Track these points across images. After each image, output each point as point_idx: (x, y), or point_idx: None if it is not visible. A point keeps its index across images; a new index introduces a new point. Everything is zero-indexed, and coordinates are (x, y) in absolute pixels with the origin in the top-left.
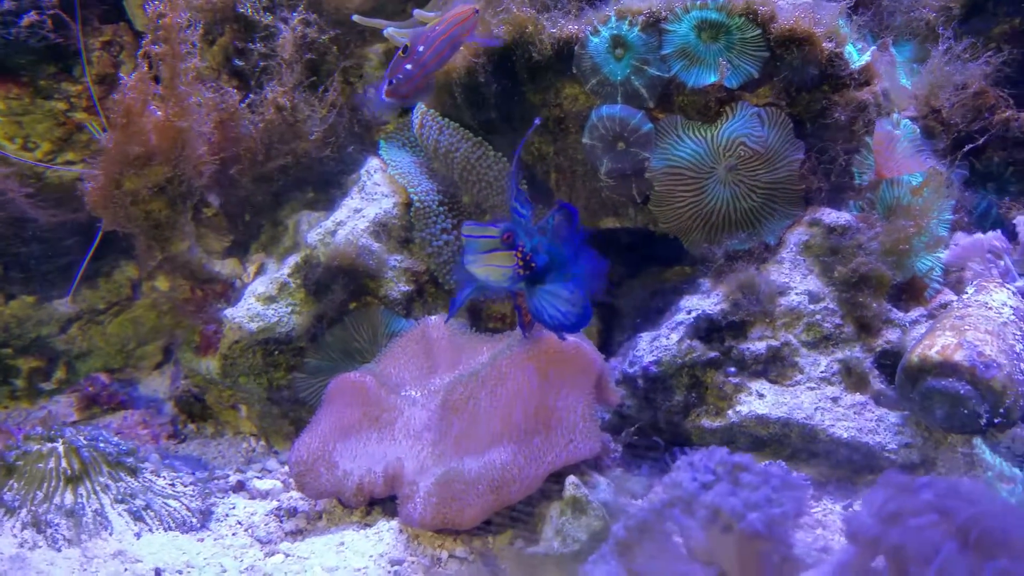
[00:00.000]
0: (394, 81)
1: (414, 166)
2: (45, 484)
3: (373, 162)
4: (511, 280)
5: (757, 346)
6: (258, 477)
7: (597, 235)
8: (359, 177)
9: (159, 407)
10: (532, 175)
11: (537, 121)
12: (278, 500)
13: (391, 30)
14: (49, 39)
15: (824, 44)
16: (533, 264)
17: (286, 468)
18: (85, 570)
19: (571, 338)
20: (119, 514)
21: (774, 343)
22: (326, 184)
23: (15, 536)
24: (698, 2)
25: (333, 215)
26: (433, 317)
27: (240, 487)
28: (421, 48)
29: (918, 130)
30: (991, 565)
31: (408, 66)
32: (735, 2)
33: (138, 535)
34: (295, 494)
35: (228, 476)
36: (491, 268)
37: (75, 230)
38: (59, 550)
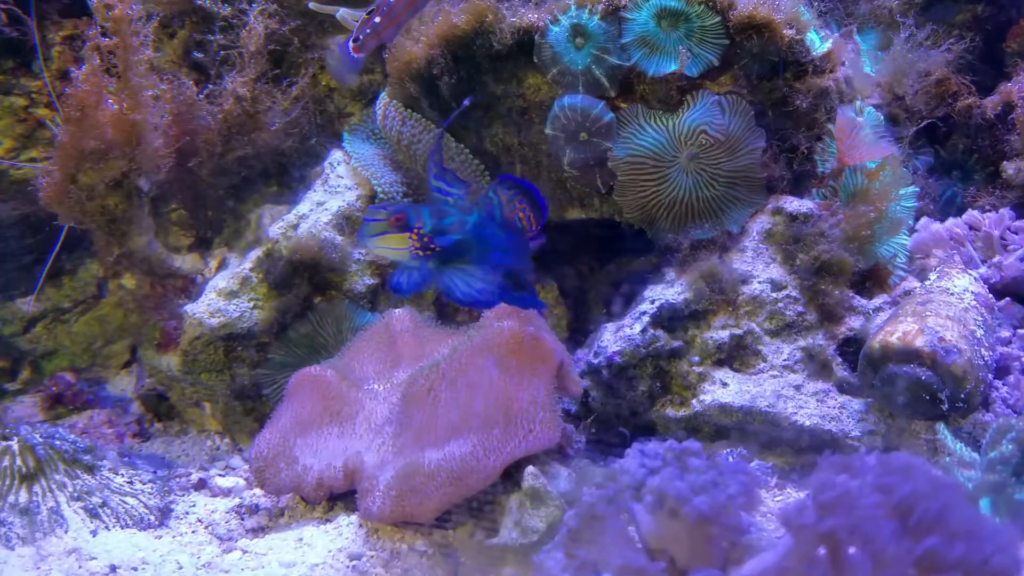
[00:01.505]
0: (360, 37)
1: (377, 158)
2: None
3: (336, 154)
4: (414, 261)
5: (720, 335)
6: (221, 475)
7: (562, 224)
8: (322, 170)
9: (126, 406)
10: (497, 165)
11: (466, 102)
12: (240, 497)
13: (343, 12)
14: (4, 33)
15: (784, 31)
16: (432, 245)
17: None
18: (39, 568)
19: (531, 328)
20: (75, 511)
21: (737, 331)
22: (289, 177)
23: None
24: None
25: (296, 208)
26: (397, 310)
27: (201, 485)
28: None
29: (882, 117)
30: (923, 544)
31: (376, 19)
32: None
33: (94, 532)
34: (258, 491)
35: (190, 474)
36: (386, 250)
37: (37, 227)
38: (12, 548)
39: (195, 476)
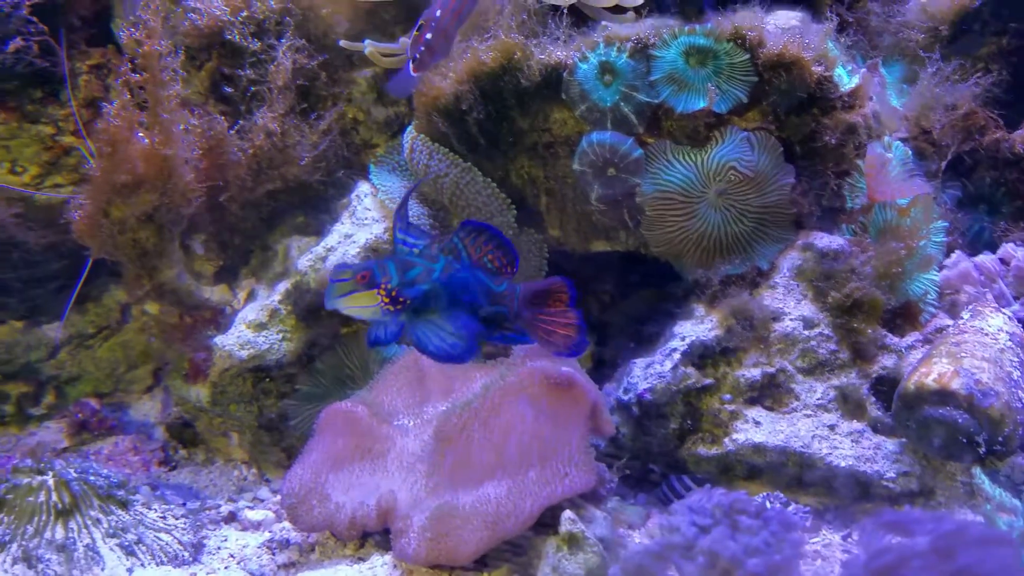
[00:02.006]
0: (417, 56)
1: (404, 190)
2: (35, 518)
3: (363, 187)
4: (387, 316)
5: (752, 373)
6: (250, 507)
7: (587, 256)
8: (349, 202)
9: (149, 432)
10: (522, 199)
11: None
12: (270, 531)
13: (370, 47)
14: (35, 64)
15: (813, 68)
16: (402, 299)
17: (278, 498)
18: None
19: (565, 368)
20: (111, 549)
21: (769, 370)
22: (316, 209)
23: (5, 572)
24: (686, 28)
25: (324, 240)
26: None
27: (232, 518)
28: (438, 13)
29: (910, 152)
30: None
31: (428, 36)
32: (723, 27)
33: (130, 571)
34: (287, 525)
35: (220, 506)
36: (355, 309)
37: (63, 254)
38: None
39: (225, 509)
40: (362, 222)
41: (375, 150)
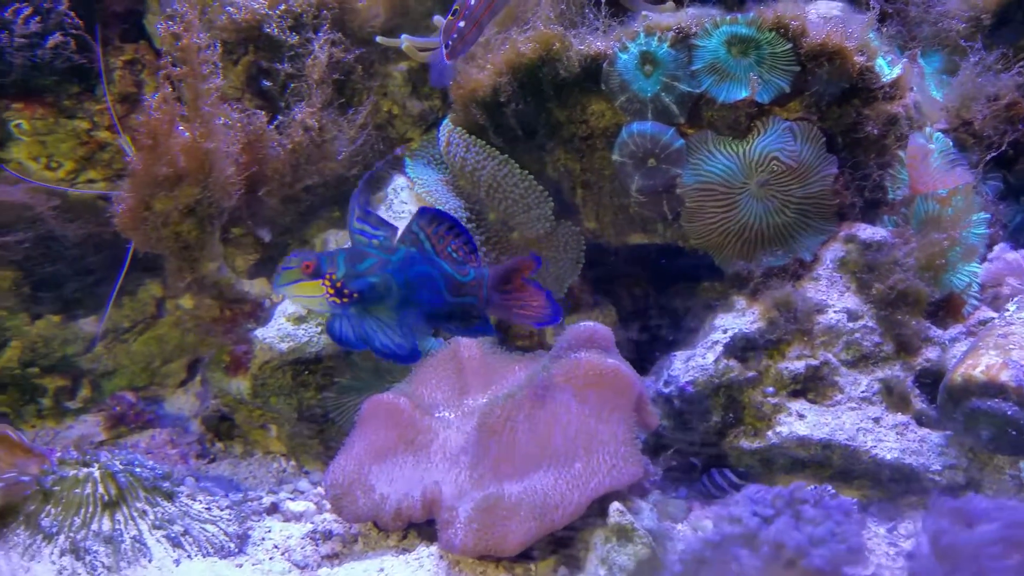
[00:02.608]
0: (450, 43)
1: (440, 184)
2: (83, 510)
3: (399, 180)
4: (334, 308)
5: (796, 365)
6: (291, 498)
7: (622, 249)
8: (386, 195)
9: (185, 426)
10: (559, 191)
11: (397, 152)
12: (312, 522)
13: (407, 42)
14: (73, 60)
15: (856, 58)
16: (347, 291)
17: (318, 489)
18: None
19: (610, 359)
20: (157, 540)
21: (813, 362)
22: (348, 202)
23: (53, 563)
24: (728, 17)
25: None
26: (464, 337)
27: (274, 509)
28: (472, 2)
29: (951, 143)
30: None
31: (461, 23)
32: (765, 16)
33: (177, 562)
34: (329, 516)
35: (261, 498)
36: (301, 298)
37: (99, 247)
38: None
39: (267, 500)
40: (399, 215)
41: (410, 144)
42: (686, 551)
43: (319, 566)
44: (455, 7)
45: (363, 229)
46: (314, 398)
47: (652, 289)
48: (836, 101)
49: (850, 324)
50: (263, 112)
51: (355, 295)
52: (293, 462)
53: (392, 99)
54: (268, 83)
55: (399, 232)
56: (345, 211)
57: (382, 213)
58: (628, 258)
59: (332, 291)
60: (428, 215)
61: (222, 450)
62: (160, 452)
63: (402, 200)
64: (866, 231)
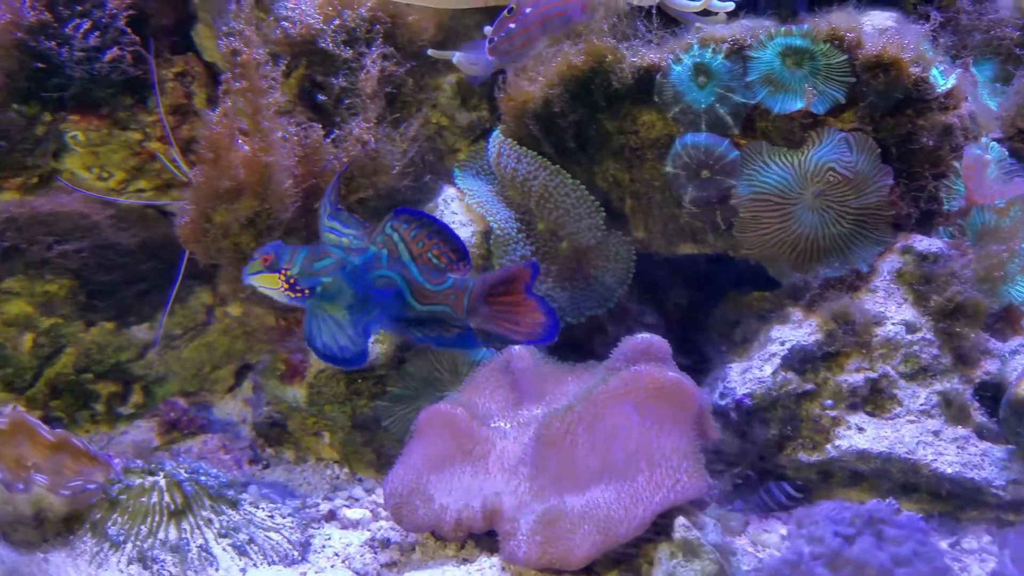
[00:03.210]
0: (496, 39)
1: (490, 194)
2: (149, 519)
3: (449, 191)
4: (291, 301)
5: (855, 378)
6: (347, 506)
7: (671, 259)
8: (436, 206)
9: (235, 431)
10: (607, 202)
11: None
12: (369, 530)
13: (458, 56)
14: (129, 73)
15: (911, 69)
16: (299, 288)
17: (372, 497)
18: None
19: (671, 372)
20: (223, 549)
21: (872, 375)
22: None
23: (121, 571)
24: (782, 29)
25: None
26: (516, 347)
27: (331, 516)
28: (528, 10)
29: (1007, 153)
30: None
31: (512, 25)
32: (819, 28)
33: (243, 571)
34: (385, 524)
35: (318, 504)
36: (264, 289)
37: (151, 256)
38: None
39: (324, 507)
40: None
41: (458, 154)
42: (763, 569)
43: (379, 574)
44: (511, 6)
45: (333, 227)
46: (367, 406)
47: (697, 300)
48: (890, 112)
49: (908, 336)
50: (319, 126)
51: (306, 292)
52: (346, 469)
53: (441, 111)
54: (323, 97)
55: (365, 232)
56: None
57: None
58: (674, 268)
59: (286, 286)
60: (404, 216)
61: (273, 456)
62: (213, 457)
63: (452, 211)
64: (922, 242)
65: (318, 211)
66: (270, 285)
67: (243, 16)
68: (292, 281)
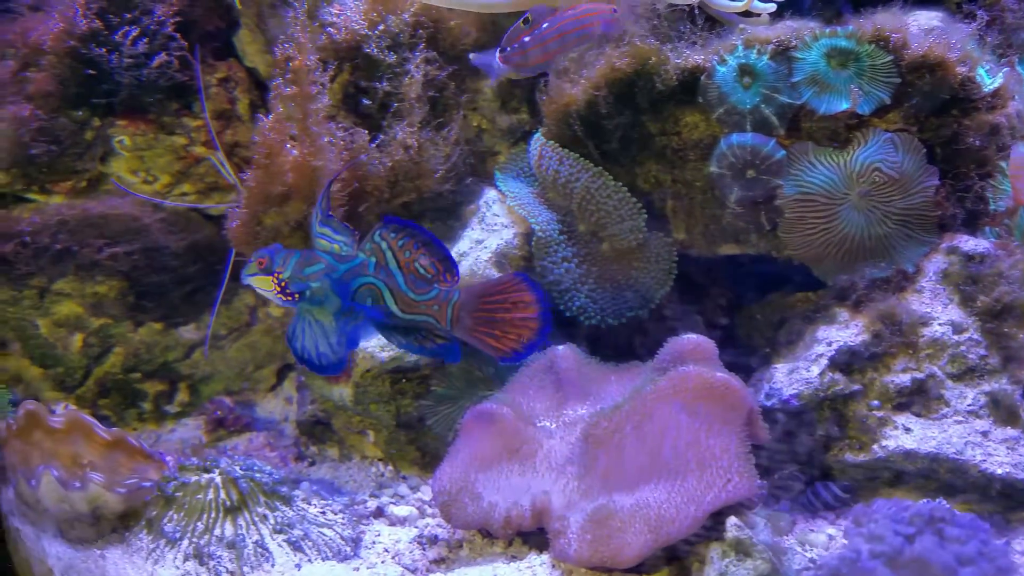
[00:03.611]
0: (508, 50)
1: (532, 196)
2: (205, 515)
3: (491, 193)
4: (284, 303)
5: (901, 378)
6: (393, 503)
7: (712, 260)
8: (478, 208)
9: (279, 429)
10: (648, 203)
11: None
12: (416, 527)
13: (472, 56)
14: (176, 78)
15: (958, 69)
16: (290, 291)
17: (417, 494)
18: None
19: (720, 373)
20: (278, 545)
21: (919, 375)
22: (443, 215)
23: (177, 568)
24: (827, 30)
25: (455, 246)
26: (561, 347)
27: (379, 513)
28: (545, 26)
29: None
30: None
31: (526, 39)
32: (864, 29)
33: (298, 566)
34: (431, 521)
35: (366, 502)
36: (261, 291)
37: (198, 258)
38: None
39: (371, 504)
40: (491, 228)
41: (498, 157)
42: (822, 568)
43: (428, 571)
44: (527, 16)
45: (324, 233)
46: (411, 405)
47: (736, 301)
48: (935, 112)
49: (955, 337)
50: (365, 131)
51: (296, 296)
52: (391, 467)
53: (481, 114)
54: (368, 101)
55: (354, 239)
56: (436, 224)
57: (475, 226)
58: (713, 269)
59: (278, 289)
60: (393, 225)
61: (317, 454)
62: (259, 455)
63: (494, 213)
64: (968, 243)
65: (310, 219)
66: (265, 287)
67: (298, 23)
68: (283, 284)
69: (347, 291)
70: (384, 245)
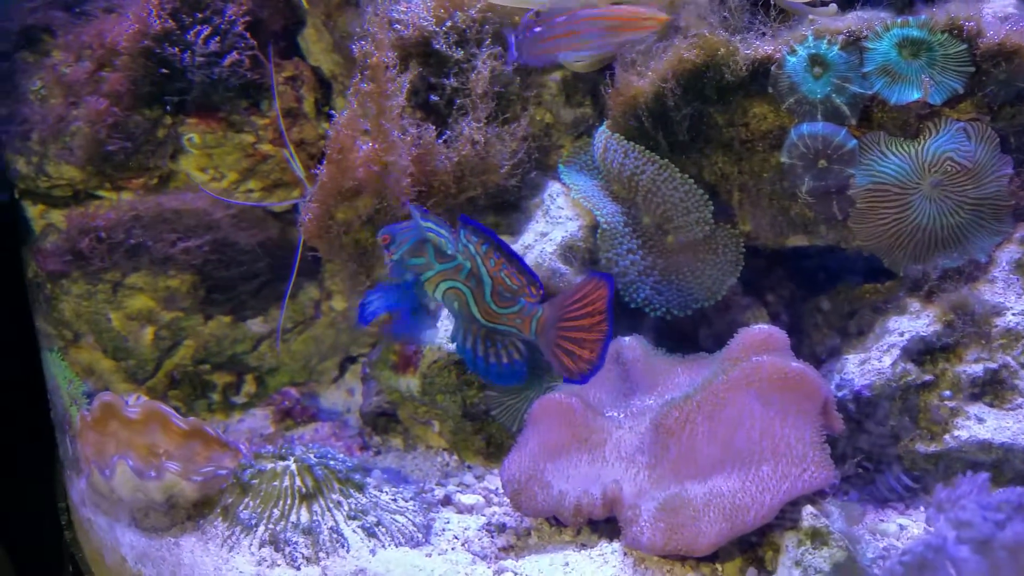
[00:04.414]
0: (519, 38)
1: (596, 189)
2: (280, 502)
3: (555, 186)
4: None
5: (974, 368)
6: (460, 492)
7: (777, 251)
8: (542, 201)
9: (343, 420)
10: (714, 195)
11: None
12: (484, 515)
13: None
14: (247, 77)
15: None
16: (394, 272)
17: (483, 483)
18: None
19: (795, 363)
20: (353, 531)
21: (992, 365)
22: (505, 209)
23: (253, 554)
24: (898, 20)
25: (520, 239)
26: (627, 338)
27: (447, 501)
28: (559, 20)
29: None
30: None
31: (537, 29)
32: (937, 18)
33: (373, 551)
34: (498, 510)
35: (433, 490)
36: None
37: (266, 254)
38: (298, 568)
39: (439, 493)
40: (556, 220)
41: (561, 150)
42: (907, 553)
43: (497, 558)
44: (540, 8)
45: (430, 227)
46: (476, 396)
47: (800, 292)
48: (1010, 100)
49: None
50: (432, 126)
51: (394, 279)
52: (455, 457)
53: (546, 108)
54: (436, 97)
55: (452, 235)
56: (499, 218)
57: (539, 219)
58: (779, 260)
59: (389, 265)
60: (472, 227)
61: (381, 443)
62: (326, 444)
63: (559, 206)
64: None
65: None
66: (384, 257)
67: (376, 20)
68: (391, 265)
69: (417, 299)
70: (472, 249)
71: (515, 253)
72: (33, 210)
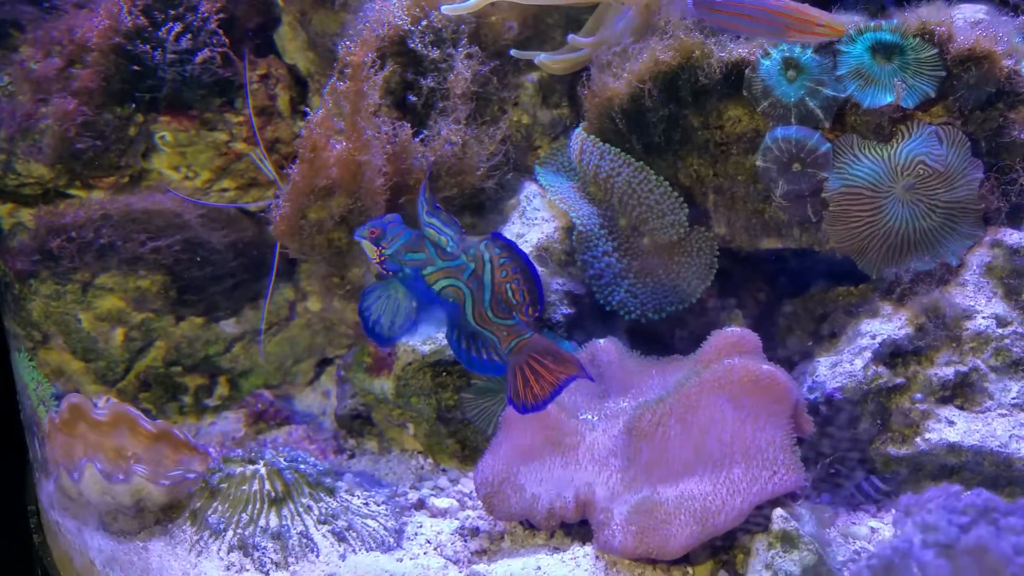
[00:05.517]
0: None
1: (572, 191)
2: (249, 507)
3: (531, 187)
4: (381, 272)
5: (945, 371)
6: (434, 495)
7: (751, 254)
8: (518, 203)
9: (318, 422)
10: (689, 197)
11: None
12: (457, 519)
13: (542, 57)
14: (219, 74)
15: (1004, 62)
16: (387, 267)
17: (458, 487)
18: None
19: (766, 366)
20: (323, 535)
21: (962, 368)
22: (482, 210)
23: (221, 559)
24: (871, 23)
25: None
26: (602, 341)
27: (420, 505)
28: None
29: None
30: None
31: None
32: (909, 23)
33: (343, 556)
34: (472, 513)
35: (407, 494)
36: (365, 253)
37: (239, 254)
38: (267, 573)
39: (412, 496)
40: (532, 222)
41: (538, 151)
42: (872, 557)
43: (469, 562)
44: None
45: (432, 224)
46: (452, 398)
47: (773, 295)
48: (980, 105)
49: (999, 330)
50: (408, 125)
51: (388, 273)
52: (430, 460)
53: (523, 109)
54: (413, 97)
55: (459, 236)
56: (475, 218)
57: (515, 220)
58: (753, 263)
59: (379, 260)
60: (500, 242)
61: (355, 447)
62: (300, 447)
63: (535, 207)
64: (1012, 236)
65: (416, 206)
66: (370, 252)
67: (372, 19)
68: (383, 259)
69: (427, 289)
70: (487, 256)
71: (537, 275)
72: (2, 208)
